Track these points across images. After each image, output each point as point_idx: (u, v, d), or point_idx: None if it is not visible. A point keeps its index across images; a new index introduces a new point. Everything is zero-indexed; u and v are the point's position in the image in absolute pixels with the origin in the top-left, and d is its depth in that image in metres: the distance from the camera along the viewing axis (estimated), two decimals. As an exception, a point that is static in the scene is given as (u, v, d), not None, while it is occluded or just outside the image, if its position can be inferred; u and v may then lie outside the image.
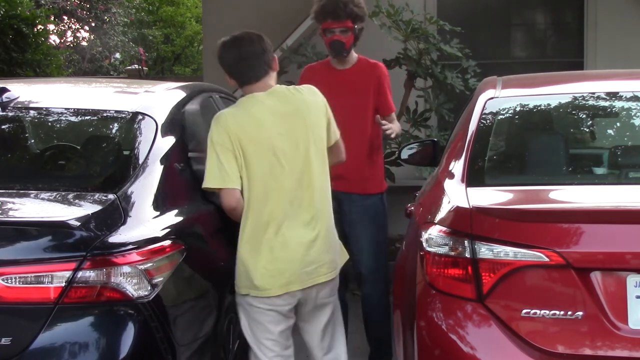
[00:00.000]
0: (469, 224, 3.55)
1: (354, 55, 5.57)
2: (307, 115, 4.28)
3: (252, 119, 4.22)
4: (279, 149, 4.21)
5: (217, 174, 4.17)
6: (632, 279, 3.42)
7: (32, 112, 4.84)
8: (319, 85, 4.87)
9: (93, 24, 27.83)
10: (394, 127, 5.45)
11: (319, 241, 4.24)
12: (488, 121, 4.35)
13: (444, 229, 3.65)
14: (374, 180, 5.54)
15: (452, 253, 3.58)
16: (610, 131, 4.83)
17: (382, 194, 5.57)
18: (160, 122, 4.50)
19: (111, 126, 4.86)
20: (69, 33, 28.11)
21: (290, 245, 4.19)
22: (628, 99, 4.70)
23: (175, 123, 4.61)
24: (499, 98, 4.52)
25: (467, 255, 3.53)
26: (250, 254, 4.19)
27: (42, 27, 17.75)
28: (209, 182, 4.20)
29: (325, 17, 5.44)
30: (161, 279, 3.81)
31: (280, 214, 4.20)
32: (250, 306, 4.25)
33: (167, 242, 3.93)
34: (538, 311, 3.45)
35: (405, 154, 5.56)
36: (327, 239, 4.29)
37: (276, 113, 4.24)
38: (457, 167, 4.05)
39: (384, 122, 5.36)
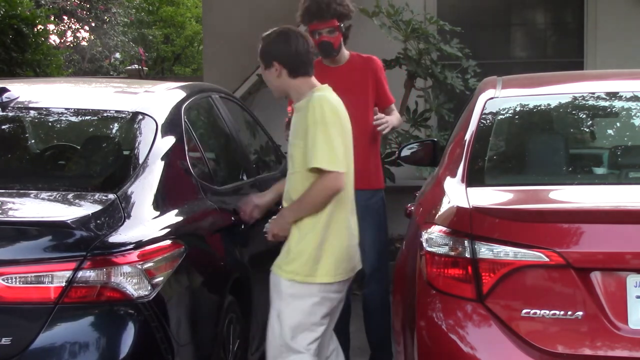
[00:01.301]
0: (469, 224, 3.55)
1: (346, 52, 5.57)
2: None
3: (342, 106, 4.35)
4: (349, 136, 4.37)
5: (338, 156, 4.17)
6: (632, 279, 3.42)
7: (32, 112, 4.84)
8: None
9: (93, 24, 27.82)
10: (391, 119, 5.45)
11: None
12: (488, 121, 4.35)
13: (444, 229, 3.65)
14: (377, 175, 5.54)
15: (452, 253, 3.58)
16: (610, 131, 4.83)
17: (382, 190, 5.58)
18: (160, 122, 4.50)
19: (111, 126, 4.86)
20: (69, 33, 28.10)
21: (354, 231, 4.40)
22: (628, 99, 4.70)
23: (175, 123, 4.62)
24: (499, 98, 4.52)
25: (467, 255, 3.53)
26: (329, 238, 4.22)
27: (42, 27, 17.74)
28: (338, 166, 4.17)
29: (310, 19, 5.43)
30: (161, 278, 3.82)
31: (350, 199, 4.35)
32: (311, 293, 4.22)
33: (167, 242, 3.93)
34: (538, 311, 3.45)
35: (405, 153, 5.56)
36: None
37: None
38: (457, 167, 4.05)
39: (378, 117, 5.35)
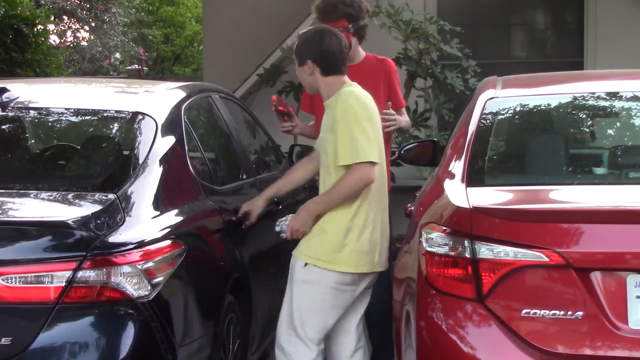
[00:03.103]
0: (469, 224, 3.55)
1: (361, 52, 5.60)
2: None
3: (371, 100, 4.45)
4: (380, 130, 4.47)
5: (364, 147, 4.23)
6: (632, 279, 3.42)
7: (32, 112, 4.84)
8: None
9: (93, 24, 27.82)
10: (400, 118, 5.46)
11: None
12: (488, 121, 4.35)
13: (444, 229, 3.65)
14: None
15: (452, 253, 3.58)
16: (610, 131, 4.83)
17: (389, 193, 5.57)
18: (160, 122, 4.50)
19: (111, 126, 4.86)
20: (69, 33, 28.10)
21: (385, 228, 4.48)
22: (628, 99, 4.70)
23: (175, 123, 4.62)
24: (499, 98, 4.52)
25: (467, 255, 3.53)
26: (355, 229, 4.28)
27: (42, 27, 17.72)
28: (367, 156, 4.23)
29: (322, 18, 5.47)
30: (161, 278, 3.81)
31: (382, 192, 4.47)
32: (325, 280, 4.29)
33: (167, 242, 3.93)
34: (538, 311, 3.45)
35: (405, 153, 5.56)
36: None
37: None
38: (457, 167, 4.05)
39: (387, 112, 5.35)
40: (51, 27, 23.15)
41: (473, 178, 3.93)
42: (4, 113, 4.63)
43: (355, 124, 4.25)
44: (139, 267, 3.73)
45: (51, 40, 22.17)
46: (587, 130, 4.77)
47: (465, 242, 3.54)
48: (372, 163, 4.25)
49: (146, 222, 3.95)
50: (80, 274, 3.61)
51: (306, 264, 4.31)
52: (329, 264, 4.28)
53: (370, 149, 4.25)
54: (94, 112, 4.83)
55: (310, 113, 5.65)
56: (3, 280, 3.58)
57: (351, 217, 4.29)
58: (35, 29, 16.77)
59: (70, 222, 3.70)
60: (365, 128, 4.26)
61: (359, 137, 4.23)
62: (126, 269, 3.69)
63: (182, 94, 4.95)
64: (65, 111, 4.84)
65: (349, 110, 4.28)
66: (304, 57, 4.46)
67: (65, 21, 27.40)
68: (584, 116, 4.76)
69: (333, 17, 5.41)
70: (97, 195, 4.00)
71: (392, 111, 5.41)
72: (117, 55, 30.09)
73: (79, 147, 4.79)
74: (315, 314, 4.34)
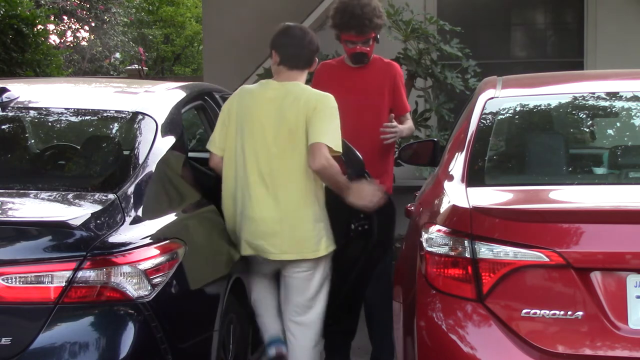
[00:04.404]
0: (469, 224, 3.56)
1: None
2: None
3: (244, 96, 4.77)
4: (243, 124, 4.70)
5: (214, 140, 4.72)
6: (632, 279, 3.42)
7: (32, 112, 4.84)
8: (333, 82, 5.26)
9: (93, 24, 27.79)
10: (401, 129, 5.46)
11: None
12: (488, 121, 4.35)
13: (444, 229, 3.65)
14: (384, 179, 5.52)
15: (452, 253, 3.58)
16: (610, 131, 4.83)
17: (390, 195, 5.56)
18: (160, 122, 4.50)
19: (111, 126, 4.86)
20: (69, 33, 28.07)
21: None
22: (628, 99, 4.70)
23: (175, 123, 4.61)
24: (499, 98, 4.52)
25: (467, 255, 3.53)
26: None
27: (42, 27, 17.71)
28: (209, 145, 4.73)
29: (348, 30, 5.46)
30: (161, 279, 3.81)
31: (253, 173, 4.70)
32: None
33: (167, 242, 3.93)
34: (538, 311, 3.45)
35: (405, 153, 5.56)
36: None
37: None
38: (457, 167, 4.05)
39: (387, 125, 5.37)
40: (51, 27, 23.13)
41: (473, 178, 3.93)
42: (4, 113, 4.63)
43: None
44: (139, 267, 3.73)
45: (51, 40, 22.15)
46: (587, 130, 4.77)
47: (465, 242, 3.54)
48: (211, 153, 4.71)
49: (146, 222, 3.95)
50: (80, 274, 3.61)
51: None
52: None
53: (212, 139, 4.71)
54: (94, 112, 4.83)
55: None
56: (3, 280, 3.58)
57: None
58: (35, 29, 16.76)
59: (70, 222, 3.70)
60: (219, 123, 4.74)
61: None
62: (126, 269, 3.69)
63: (182, 94, 4.96)
64: (65, 111, 4.84)
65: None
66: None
67: (65, 21, 27.37)
68: (584, 116, 4.76)
69: (367, 31, 5.42)
70: (97, 195, 4.00)
71: (393, 123, 5.42)
72: (117, 55, 30.06)
73: (79, 147, 4.79)
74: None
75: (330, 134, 4.50)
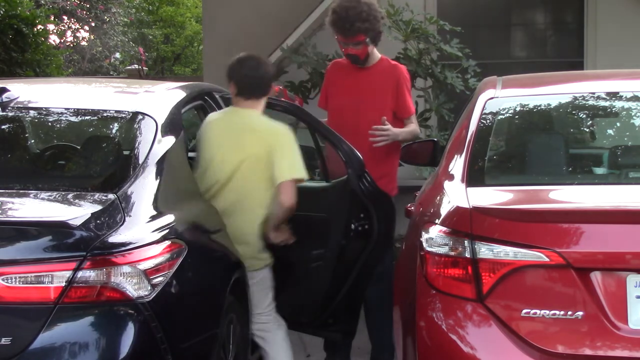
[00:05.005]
0: (469, 224, 3.56)
1: (377, 54, 5.69)
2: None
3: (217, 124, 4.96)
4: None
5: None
6: (632, 279, 3.42)
7: (32, 112, 4.84)
8: (339, 82, 5.55)
9: (93, 24, 27.79)
10: (395, 132, 5.47)
11: None
12: (488, 121, 4.35)
13: (444, 229, 3.65)
14: (386, 181, 5.52)
15: (452, 253, 3.58)
16: (610, 131, 4.83)
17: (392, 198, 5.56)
18: (160, 122, 4.49)
19: (111, 126, 4.86)
20: (69, 33, 28.07)
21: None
22: (628, 99, 4.70)
23: (175, 123, 4.62)
24: (499, 98, 4.52)
25: (467, 255, 3.53)
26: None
27: (42, 27, 17.71)
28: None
29: (337, 32, 5.59)
30: (161, 279, 3.81)
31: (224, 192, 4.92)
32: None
33: (167, 242, 3.93)
34: (538, 311, 3.45)
35: (405, 154, 5.56)
36: None
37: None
38: (457, 167, 4.05)
39: (378, 127, 5.39)
40: (51, 27, 23.13)
41: (473, 178, 3.93)
42: (4, 113, 4.63)
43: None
44: (139, 267, 3.72)
45: (51, 40, 22.15)
46: (587, 130, 4.77)
47: (465, 242, 3.54)
48: None
49: (146, 222, 3.95)
50: (80, 274, 3.61)
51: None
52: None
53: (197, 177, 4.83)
54: (94, 112, 4.83)
55: (326, 110, 5.75)
56: (3, 280, 3.58)
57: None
58: (35, 29, 16.76)
59: (70, 222, 3.70)
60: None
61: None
62: (126, 269, 3.69)
63: (182, 94, 4.96)
64: (65, 111, 4.84)
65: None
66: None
67: (65, 21, 27.37)
68: (584, 116, 4.76)
69: (349, 34, 5.51)
70: (97, 195, 4.00)
71: (385, 125, 5.42)
72: (117, 55, 30.06)
73: (79, 147, 4.79)
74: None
75: (296, 166, 4.74)
